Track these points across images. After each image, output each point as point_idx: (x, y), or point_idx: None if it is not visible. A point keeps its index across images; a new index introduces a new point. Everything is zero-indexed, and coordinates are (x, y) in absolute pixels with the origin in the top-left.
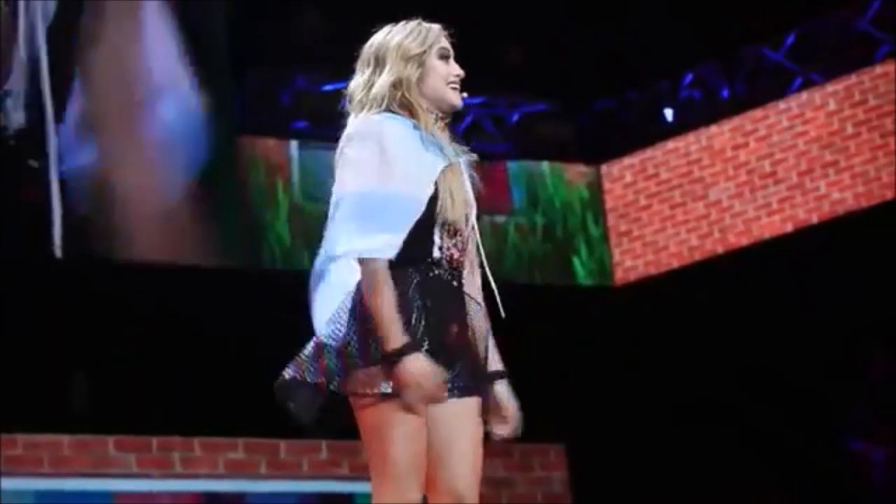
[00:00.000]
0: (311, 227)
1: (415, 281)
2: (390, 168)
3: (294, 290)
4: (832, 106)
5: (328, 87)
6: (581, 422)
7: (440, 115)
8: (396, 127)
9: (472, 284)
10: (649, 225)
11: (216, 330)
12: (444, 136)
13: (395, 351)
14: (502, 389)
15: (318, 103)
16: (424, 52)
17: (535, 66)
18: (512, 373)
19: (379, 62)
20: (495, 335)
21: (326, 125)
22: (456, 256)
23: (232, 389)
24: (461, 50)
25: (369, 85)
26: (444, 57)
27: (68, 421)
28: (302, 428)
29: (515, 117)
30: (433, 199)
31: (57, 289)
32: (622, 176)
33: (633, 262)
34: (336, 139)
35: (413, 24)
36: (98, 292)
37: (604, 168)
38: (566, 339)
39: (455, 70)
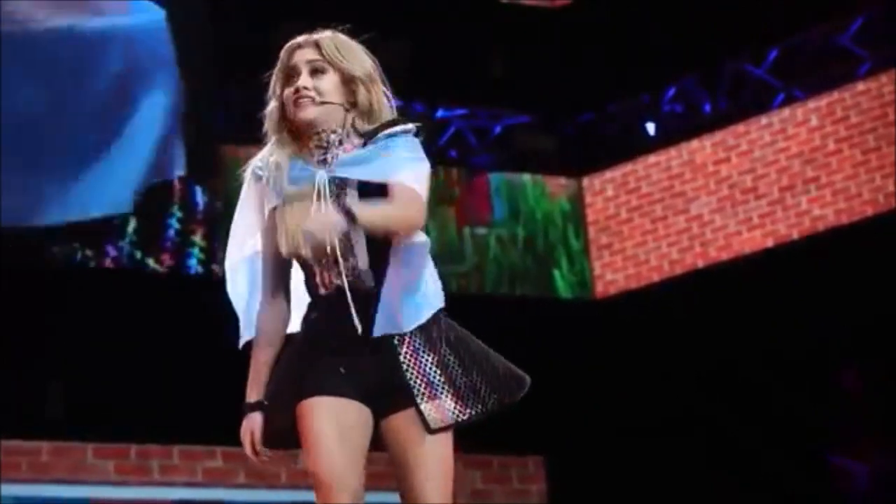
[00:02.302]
0: None
1: (309, 320)
2: (233, 240)
3: None
4: (814, 122)
5: None
6: (560, 434)
7: (310, 132)
8: (245, 187)
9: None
10: (630, 238)
11: (196, 338)
12: (307, 156)
13: (245, 405)
14: None
15: None
16: (277, 82)
17: (518, 78)
18: None
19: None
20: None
21: None
22: (343, 284)
23: (211, 398)
24: (444, 63)
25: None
26: (289, 77)
27: (47, 428)
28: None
29: (498, 129)
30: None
31: (36, 296)
32: (604, 189)
33: (614, 276)
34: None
35: None
36: (77, 299)
37: (585, 181)
38: (546, 352)
39: (295, 86)
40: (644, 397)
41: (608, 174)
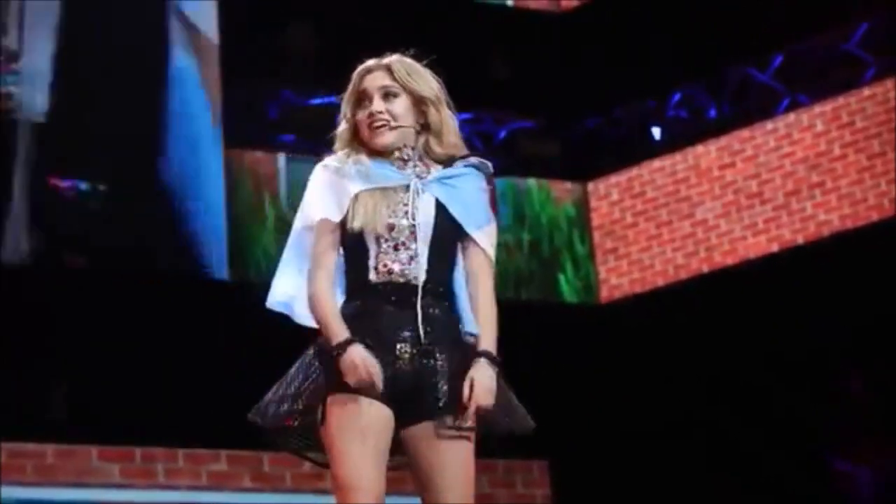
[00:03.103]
0: None
1: (350, 307)
2: (301, 213)
3: None
4: (819, 127)
5: (315, 101)
6: (564, 438)
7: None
8: (319, 173)
9: (435, 300)
10: (635, 243)
11: (201, 342)
12: (392, 167)
13: (337, 345)
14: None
15: (305, 117)
16: (348, 106)
17: (523, 82)
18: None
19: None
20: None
21: (313, 139)
22: (397, 270)
23: (215, 401)
24: (449, 66)
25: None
26: (360, 101)
27: (52, 430)
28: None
29: (503, 134)
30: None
31: (43, 298)
32: (609, 194)
33: (619, 280)
34: (322, 153)
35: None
36: (84, 302)
37: (590, 186)
38: (551, 356)
39: (369, 110)
40: (648, 401)
41: (613, 179)
